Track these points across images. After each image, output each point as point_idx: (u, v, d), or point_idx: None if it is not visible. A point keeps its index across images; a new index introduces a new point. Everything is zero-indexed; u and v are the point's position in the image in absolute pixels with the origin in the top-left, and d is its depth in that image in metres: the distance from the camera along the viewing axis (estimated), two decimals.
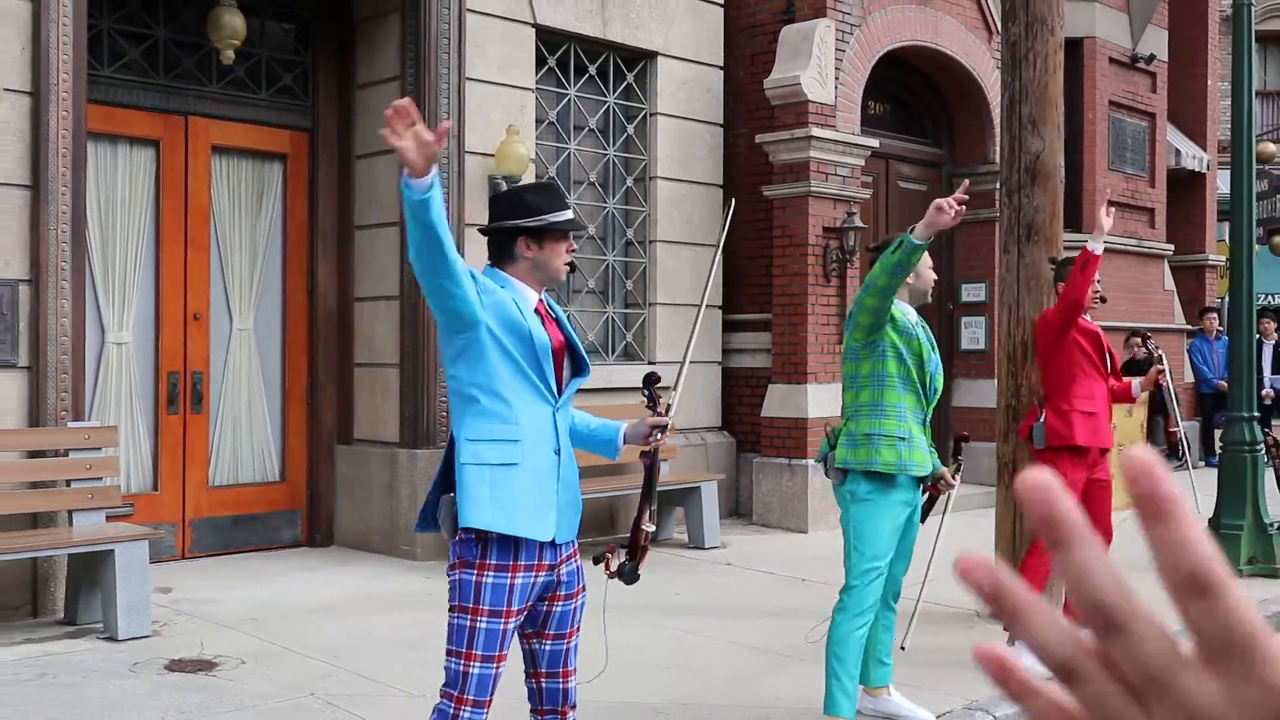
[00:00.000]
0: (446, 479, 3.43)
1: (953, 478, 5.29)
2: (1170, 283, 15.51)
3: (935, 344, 5.06)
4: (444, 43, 8.59)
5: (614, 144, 10.05)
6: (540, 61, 9.43)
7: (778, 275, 10.34)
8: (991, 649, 0.59)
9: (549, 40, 9.47)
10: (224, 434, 8.70)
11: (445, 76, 8.58)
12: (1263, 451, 8.66)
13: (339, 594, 7.43)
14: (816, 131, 10.00)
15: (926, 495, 5.20)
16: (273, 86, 8.93)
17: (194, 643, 6.19)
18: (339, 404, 9.15)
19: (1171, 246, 15.41)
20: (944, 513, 5.57)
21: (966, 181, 4.88)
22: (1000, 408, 7.09)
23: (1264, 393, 14.25)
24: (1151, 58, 14.48)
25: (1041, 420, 6.28)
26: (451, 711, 3.32)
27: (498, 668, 3.36)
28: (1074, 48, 13.23)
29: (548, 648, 3.54)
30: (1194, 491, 7.54)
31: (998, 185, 7.26)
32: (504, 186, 8.78)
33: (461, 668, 3.33)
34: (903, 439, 4.80)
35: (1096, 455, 6.28)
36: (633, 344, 10.13)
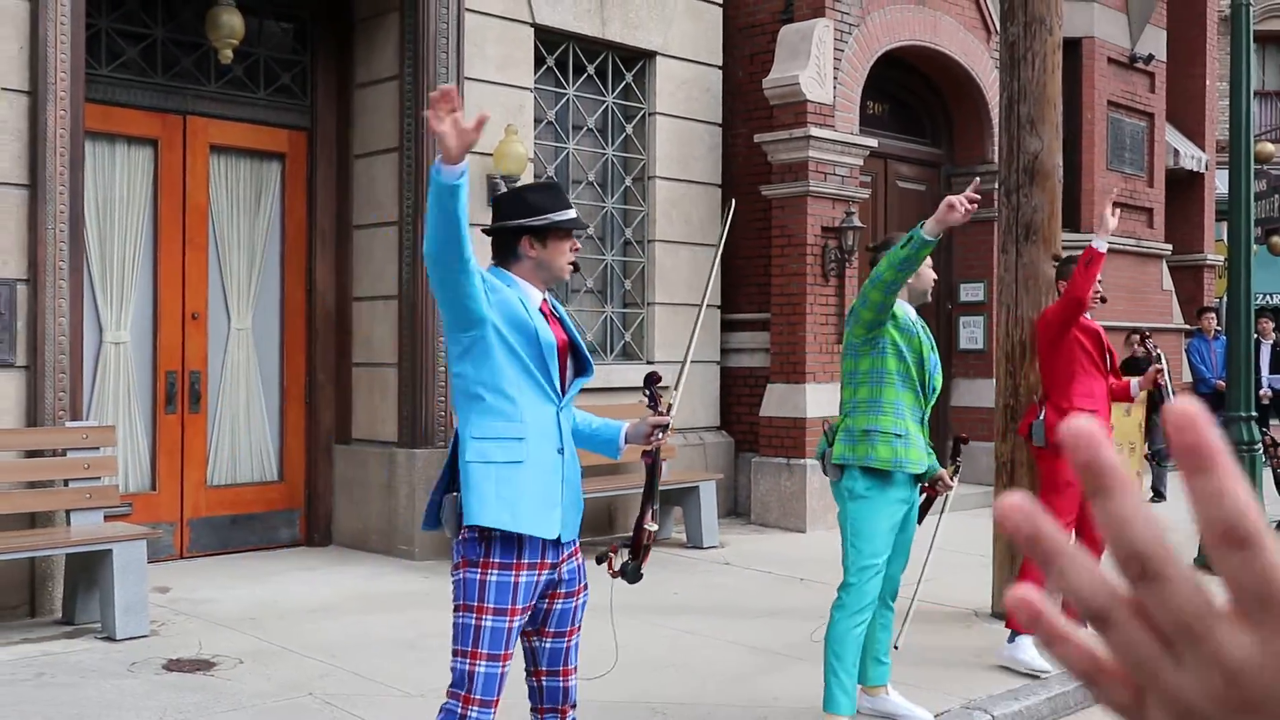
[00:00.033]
0: (451, 477, 3.43)
1: (951, 479, 5.29)
2: (1168, 282, 15.51)
3: (935, 343, 5.06)
4: (442, 42, 8.58)
5: (612, 143, 10.05)
6: (539, 61, 9.42)
7: (776, 275, 10.34)
8: (1024, 593, 0.59)
9: (547, 40, 9.47)
10: (222, 433, 8.70)
11: (444, 76, 8.58)
12: (1261, 451, 8.66)
13: (337, 594, 7.43)
14: (815, 131, 10.00)
15: (924, 496, 5.20)
16: (271, 86, 8.92)
17: (192, 642, 6.19)
18: (337, 403, 9.15)
19: (1170, 246, 15.42)
20: (941, 512, 5.57)
21: (977, 180, 4.88)
22: (999, 407, 7.09)
23: (1262, 392, 14.25)
24: (1150, 58, 14.48)
25: (1041, 418, 6.28)
26: (459, 711, 3.32)
27: (504, 667, 3.36)
28: (1072, 48, 13.23)
29: (548, 645, 3.54)
30: None
31: (996, 185, 7.26)
32: (502, 186, 8.78)
33: (467, 667, 3.32)
34: (899, 436, 4.80)
35: None
36: (631, 343, 10.13)
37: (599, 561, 3.69)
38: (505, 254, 3.54)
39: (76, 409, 6.98)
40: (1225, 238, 9.16)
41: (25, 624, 6.60)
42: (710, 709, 5.22)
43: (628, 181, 10.12)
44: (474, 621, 3.33)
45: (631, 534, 3.73)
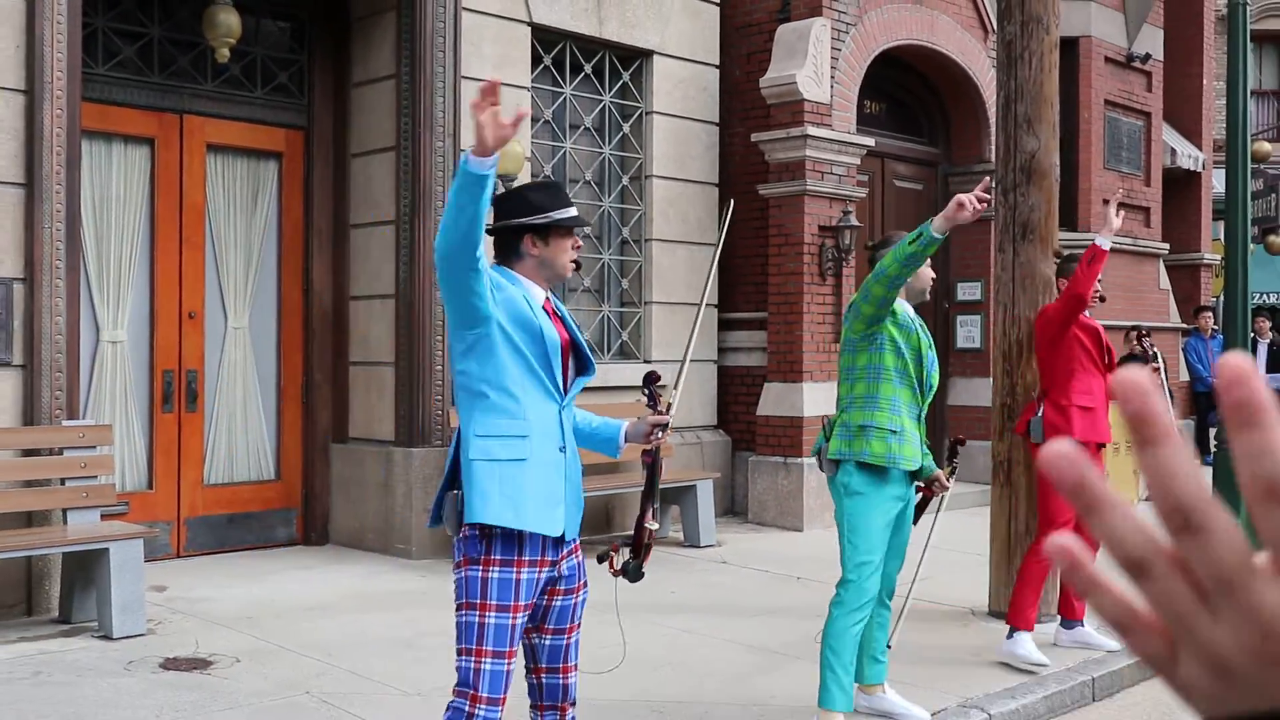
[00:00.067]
0: (453, 474, 3.43)
1: (947, 480, 5.30)
2: (1165, 281, 15.52)
3: (933, 342, 5.07)
4: (440, 41, 8.58)
5: (610, 143, 10.05)
6: (536, 60, 9.42)
7: (773, 274, 10.34)
8: (1064, 540, 0.60)
9: (544, 39, 9.47)
10: (219, 432, 8.69)
11: (441, 75, 8.58)
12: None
13: (334, 592, 7.42)
14: (812, 130, 10.00)
15: (920, 496, 5.20)
16: (268, 85, 8.92)
17: (189, 641, 6.18)
18: (334, 402, 9.15)
19: (1167, 245, 15.42)
20: (937, 512, 5.58)
21: (987, 179, 4.88)
22: (995, 406, 7.10)
23: None
24: (1147, 57, 14.49)
25: (1039, 415, 6.29)
26: (467, 710, 3.31)
27: (509, 664, 3.36)
28: (1069, 47, 13.23)
29: (548, 642, 3.54)
30: None
31: (993, 184, 7.26)
32: (499, 185, 8.77)
33: (473, 664, 3.32)
34: (894, 432, 4.81)
35: (1094, 450, 6.30)
36: (628, 343, 10.14)
37: (600, 560, 3.69)
38: (507, 253, 3.54)
39: (73, 408, 6.97)
40: (1222, 237, 9.17)
41: (22, 623, 6.60)
42: (708, 707, 5.22)
43: (625, 181, 10.12)
44: (477, 619, 3.33)
45: (632, 533, 3.74)
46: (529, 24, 9.23)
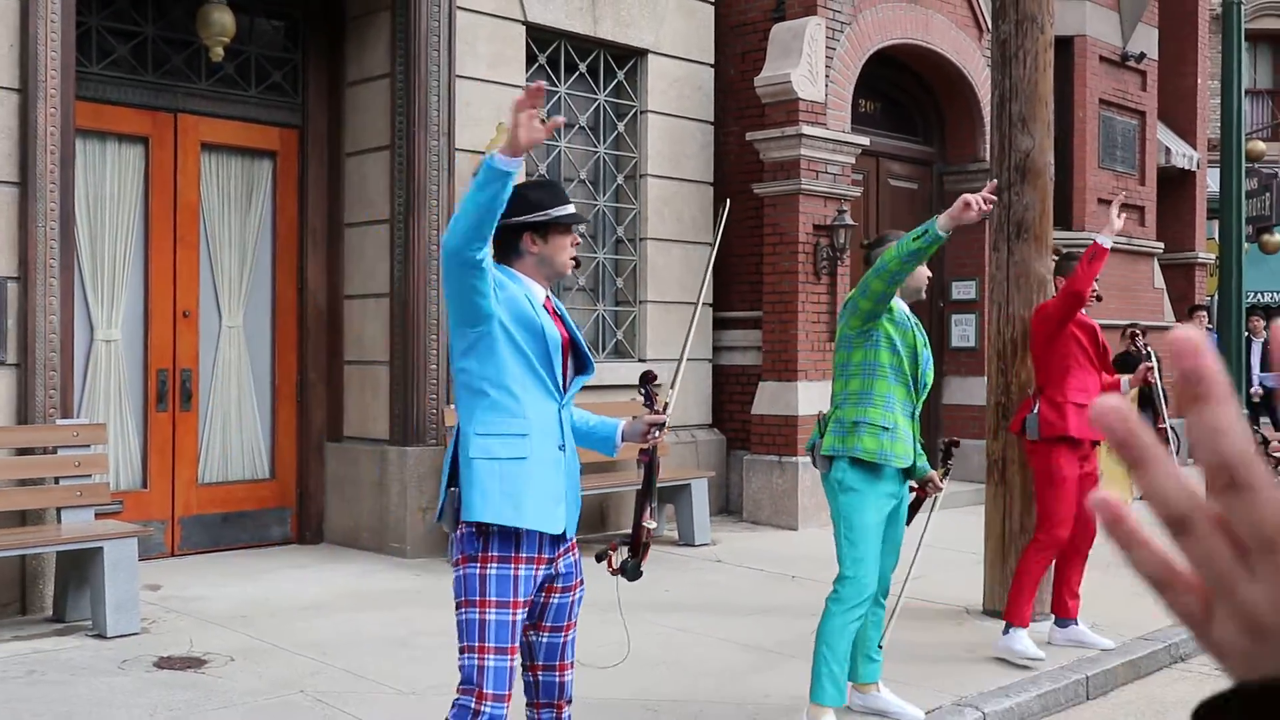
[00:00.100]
0: (454, 472, 3.44)
1: (941, 481, 5.31)
2: (1160, 280, 15.53)
3: (928, 341, 5.07)
4: (434, 40, 8.58)
5: (604, 141, 10.05)
6: (531, 59, 9.42)
7: (768, 273, 10.35)
8: (1108, 497, 0.60)
9: (539, 38, 9.46)
10: (213, 431, 8.69)
11: (435, 74, 8.57)
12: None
13: (328, 591, 7.42)
14: (807, 129, 10.01)
15: (914, 496, 5.21)
16: (262, 84, 8.91)
17: (183, 640, 6.18)
18: (329, 401, 9.14)
19: (1161, 244, 15.43)
20: (931, 511, 5.58)
21: (994, 182, 4.89)
22: (990, 405, 7.10)
23: (1252, 390, 14.29)
24: (1142, 56, 14.50)
25: (1035, 411, 6.30)
26: (473, 707, 3.31)
27: (512, 659, 3.36)
28: (1064, 46, 13.25)
29: (545, 640, 3.55)
30: None
31: (988, 183, 7.26)
32: None
33: (476, 662, 3.33)
34: (886, 429, 4.81)
35: (1088, 448, 6.31)
36: (623, 342, 10.14)
37: (599, 560, 3.69)
38: (507, 251, 3.55)
39: (67, 407, 6.96)
40: (1216, 236, 9.19)
41: (16, 622, 6.59)
42: (702, 706, 5.22)
43: (619, 179, 10.12)
44: (478, 616, 3.33)
45: (630, 532, 3.74)
46: (524, 23, 9.22)
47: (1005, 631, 6.16)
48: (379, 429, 8.76)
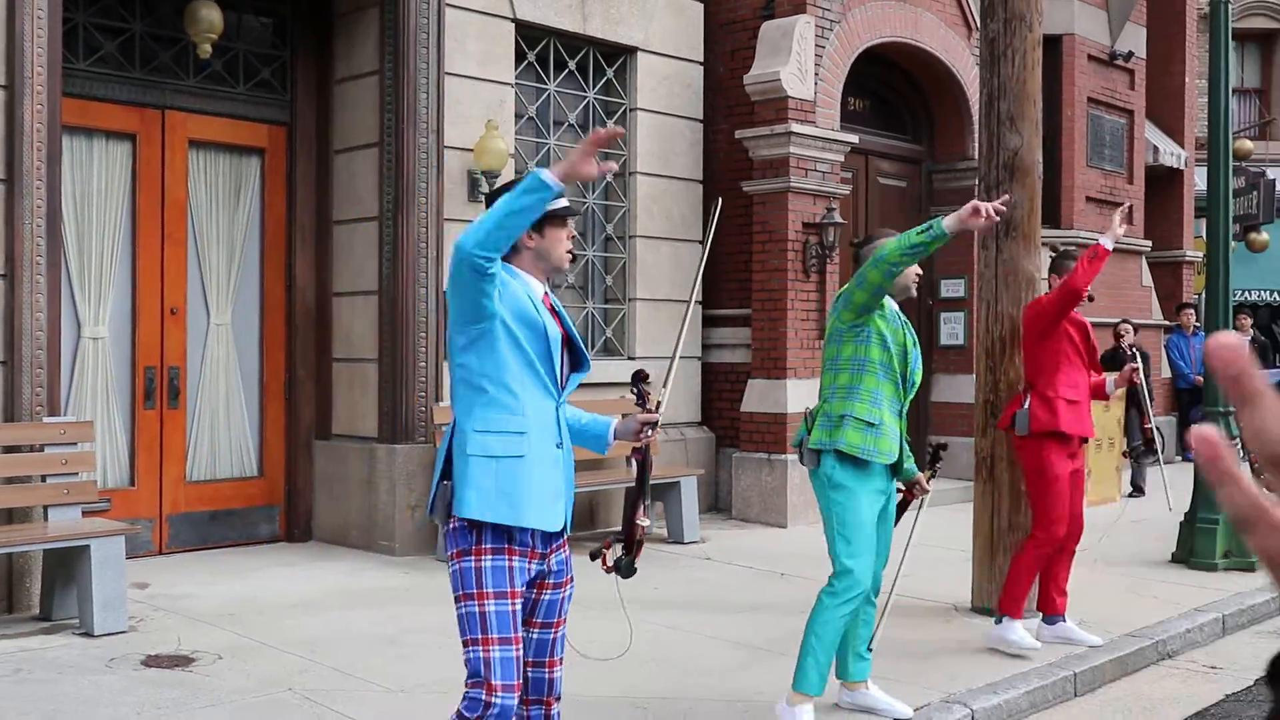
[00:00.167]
0: (448, 466, 3.44)
1: (927, 484, 5.32)
2: (1148, 279, 15.58)
3: (917, 340, 5.08)
4: (423, 37, 8.56)
5: None
6: (520, 56, 9.41)
7: (757, 271, 10.35)
8: (1206, 432, 0.60)
9: (528, 35, 9.45)
10: (201, 429, 8.66)
11: (424, 71, 8.56)
12: (1239, 446, 8.70)
13: (317, 589, 7.41)
14: (796, 127, 10.01)
15: (901, 497, 5.21)
16: (250, 80, 8.88)
17: (171, 638, 6.16)
18: (317, 399, 9.13)
19: (1149, 243, 15.48)
20: (919, 510, 5.60)
21: (1008, 195, 4.90)
22: (979, 403, 7.11)
23: None
24: (1130, 55, 14.54)
25: (1026, 407, 6.31)
26: (484, 699, 3.31)
27: (517, 649, 3.36)
28: (1053, 44, 13.27)
29: (535, 636, 3.55)
30: (1166, 486, 7.58)
31: (976, 181, 7.28)
32: (483, 182, 8.76)
33: (481, 654, 3.32)
34: (871, 425, 4.81)
35: (1077, 444, 6.33)
36: (612, 339, 10.13)
37: (593, 558, 3.70)
38: None
39: (54, 404, 6.94)
40: (1204, 234, 9.20)
41: (2, 620, 6.57)
42: (692, 703, 5.22)
43: (609, 177, 10.10)
44: (478, 609, 3.33)
45: (622, 530, 3.74)
46: (513, 20, 9.21)
47: (998, 622, 6.19)
48: (368, 427, 8.75)
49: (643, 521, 3.70)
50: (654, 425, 3.62)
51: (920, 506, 5.54)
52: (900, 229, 5.06)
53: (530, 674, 3.59)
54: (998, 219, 4.60)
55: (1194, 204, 16.94)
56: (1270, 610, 7.48)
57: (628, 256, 10.13)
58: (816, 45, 10.28)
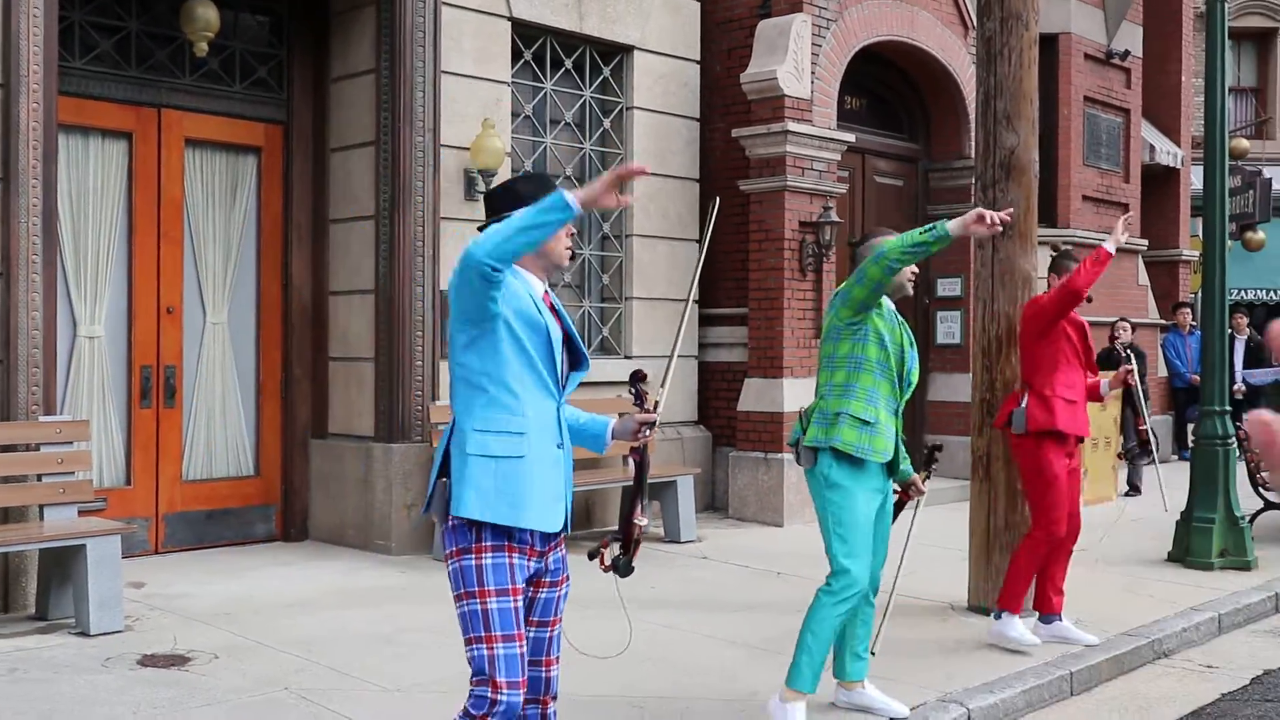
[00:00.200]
0: (446, 463, 3.43)
1: (922, 485, 5.33)
2: (1144, 278, 15.60)
3: (914, 340, 5.08)
4: (419, 36, 8.55)
5: (590, 138, 10.04)
6: (516, 55, 9.40)
7: (754, 270, 10.35)
8: (1265, 415, 0.62)
9: (525, 34, 9.45)
10: (198, 428, 8.65)
11: (421, 70, 8.55)
12: (1234, 445, 8.72)
13: (313, 588, 7.40)
14: (793, 126, 10.01)
15: (896, 497, 5.21)
16: (247, 79, 8.87)
17: (167, 638, 6.16)
18: (313, 398, 9.12)
19: (1145, 242, 15.50)
20: (916, 508, 5.60)
21: (1012, 209, 4.92)
22: (975, 401, 7.11)
23: (1235, 387, 14.35)
24: (1126, 54, 14.55)
25: (1023, 406, 6.31)
26: (490, 696, 3.30)
27: (521, 646, 3.35)
28: (1049, 43, 13.28)
29: (531, 634, 3.54)
30: (1162, 486, 7.59)
31: (973, 180, 7.28)
32: (480, 180, 8.76)
33: (486, 651, 3.32)
34: (866, 423, 4.81)
35: (1073, 443, 6.33)
36: (609, 338, 10.13)
37: (591, 557, 3.70)
38: None
39: (50, 404, 6.93)
40: (1200, 233, 9.21)
41: None
42: (689, 703, 5.22)
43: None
44: (479, 606, 3.33)
45: (619, 529, 3.74)
46: (509, 19, 9.21)
47: (998, 617, 6.20)
48: (364, 425, 8.74)
49: (640, 521, 3.70)
50: (652, 425, 3.62)
51: (916, 507, 5.54)
52: (897, 228, 5.07)
53: (528, 673, 3.58)
54: (1000, 229, 4.62)
55: (1190, 203, 16.95)
56: (1266, 609, 7.49)
57: (624, 255, 10.13)
58: (813, 44, 10.28)
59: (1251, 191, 18.62)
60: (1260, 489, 9.52)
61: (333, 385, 9.05)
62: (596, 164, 10.05)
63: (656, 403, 3.71)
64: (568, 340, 3.56)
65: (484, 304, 3.29)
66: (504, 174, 8.77)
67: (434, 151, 8.62)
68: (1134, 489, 12.10)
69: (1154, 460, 7.79)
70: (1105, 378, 6.64)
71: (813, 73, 10.28)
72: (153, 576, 7.59)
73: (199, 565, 8.01)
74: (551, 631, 3.58)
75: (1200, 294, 9.42)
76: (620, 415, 3.72)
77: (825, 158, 10.38)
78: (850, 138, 10.63)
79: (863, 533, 4.83)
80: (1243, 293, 20.48)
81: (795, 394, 10.05)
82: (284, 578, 7.72)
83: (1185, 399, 15.25)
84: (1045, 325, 6.28)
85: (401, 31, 8.48)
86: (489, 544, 3.35)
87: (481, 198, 8.44)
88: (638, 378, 3.75)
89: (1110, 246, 6.14)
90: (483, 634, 3.33)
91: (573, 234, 3.63)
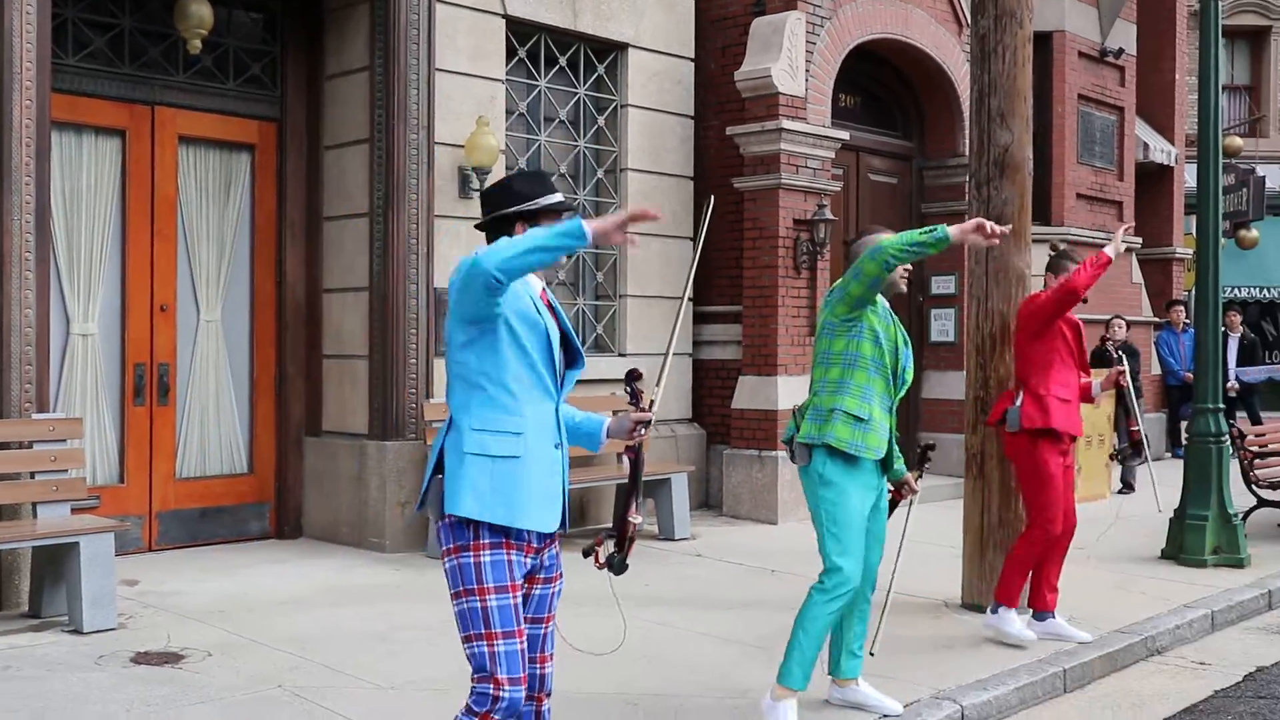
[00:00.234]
0: (439, 460, 3.43)
1: (915, 483, 5.33)
2: (1138, 275, 15.62)
3: (909, 339, 5.09)
4: (414, 33, 8.54)
5: (584, 136, 10.03)
6: (510, 53, 9.40)
7: (748, 267, 10.35)
8: None
9: (519, 31, 9.44)
10: (191, 426, 8.64)
11: (415, 67, 8.54)
12: (1228, 443, 8.73)
13: (307, 586, 7.40)
14: (787, 124, 10.01)
15: (890, 497, 5.22)
16: (240, 76, 8.86)
17: (160, 635, 6.15)
18: (307, 396, 9.11)
19: (1139, 239, 15.51)
20: (910, 505, 5.60)
21: (1010, 226, 4.95)
22: (969, 399, 7.12)
23: (1229, 385, 14.38)
24: (1120, 52, 14.56)
25: (1018, 404, 6.32)
26: (491, 693, 3.30)
27: (521, 642, 3.35)
28: (1043, 41, 13.29)
29: (525, 631, 3.54)
30: (1155, 484, 7.61)
31: (967, 178, 7.28)
32: (474, 178, 8.76)
33: (486, 649, 3.31)
34: (860, 420, 4.82)
35: (1068, 442, 6.34)
36: (603, 336, 10.13)
37: (585, 554, 3.70)
38: None
39: (43, 401, 6.92)
40: (1194, 231, 9.22)
41: None
42: (683, 700, 5.22)
43: (600, 174, 10.11)
44: (479, 603, 3.32)
45: (613, 526, 3.74)
46: (503, 16, 9.20)
47: (994, 611, 6.21)
48: (358, 423, 8.73)
49: (634, 519, 3.70)
50: (647, 424, 3.63)
51: (910, 506, 5.55)
52: (891, 226, 5.09)
53: None
54: (998, 240, 4.67)
55: (1184, 201, 16.97)
56: (1259, 606, 7.51)
57: (618, 253, 10.12)
58: (807, 41, 10.28)
59: (1245, 189, 18.67)
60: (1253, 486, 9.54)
61: (326, 383, 9.04)
62: (591, 162, 10.05)
63: (652, 401, 3.71)
64: (563, 338, 3.56)
65: (486, 309, 3.29)
66: (498, 172, 8.77)
67: (428, 149, 8.61)
68: (1128, 486, 12.12)
69: (1146, 461, 7.80)
70: (1097, 378, 6.64)
71: (807, 70, 10.28)
72: (146, 574, 7.58)
73: (192, 563, 8.00)
74: (545, 629, 3.58)
75: (1194, 292, 9.43)
76: (615, 413, 3.72)
77: (819, 155, 10.38)
78: (845, 135, 10.63)
79: (856, 530, 4.83)
80: (1236, 290, 20.53)
81: (789, 391, 10.05)
82: (278, 575, 7.71)
83: (1179, 396, 15.28)
84: (1042, 324, 6.29)
85: (395, 28, 8.47)
86: (486, 541, 3.35)
87: (476, 195, 8.44)
88: (633, 376, 3.75)
89: (1110, 252, 6.18)
90: (483, 631, 3.32)
91: None
